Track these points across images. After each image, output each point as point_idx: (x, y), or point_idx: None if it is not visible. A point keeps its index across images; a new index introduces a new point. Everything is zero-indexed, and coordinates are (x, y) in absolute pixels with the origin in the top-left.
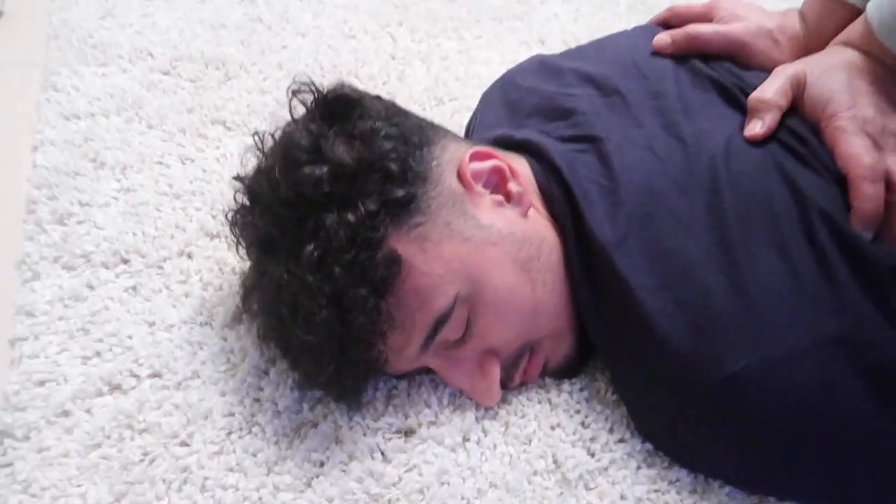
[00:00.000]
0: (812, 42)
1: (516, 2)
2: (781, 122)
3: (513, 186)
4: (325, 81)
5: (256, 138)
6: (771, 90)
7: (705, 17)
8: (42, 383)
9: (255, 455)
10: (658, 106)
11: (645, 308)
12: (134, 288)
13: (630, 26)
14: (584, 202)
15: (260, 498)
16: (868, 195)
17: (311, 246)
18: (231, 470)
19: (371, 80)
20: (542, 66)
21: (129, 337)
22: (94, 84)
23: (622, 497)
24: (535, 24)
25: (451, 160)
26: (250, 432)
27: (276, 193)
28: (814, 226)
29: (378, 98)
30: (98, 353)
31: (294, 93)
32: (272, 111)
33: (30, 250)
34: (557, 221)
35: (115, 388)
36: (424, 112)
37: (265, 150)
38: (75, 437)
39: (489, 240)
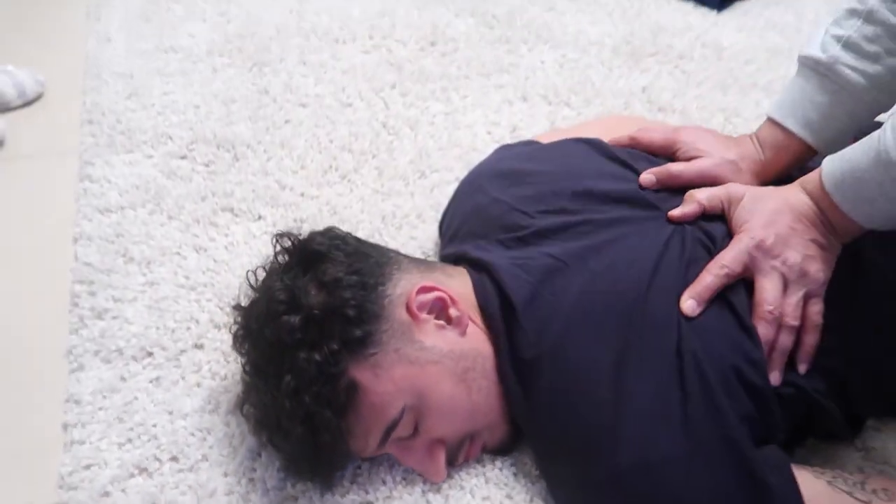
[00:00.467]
0: (770, 167)
1: (505, 52)
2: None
3: (453, 312)
4: (321, 157)
5: (250, 274)
6: (704, 193)
7: (667, 150)
8: (88, 467)
9: None
10: (606, 230)
11: (554, 406)
12: (157, 379)
13: (613, 71)
14: (522, 313)
15: None
16: (763, 335)
17: (289, 377)
18: None
19: (363, 154)
20: (505, 176)
21: (154, 425)
22: (123, 174)
23: None
24: (521, 77)
25: (402, 295)
26: None
27: (262, 334)
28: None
29: (344, 243)
30: (130, 440)
31: (278, 237)
32: (273, 195)
33: (75, 342)
34: (492, 331)
35: (143, 470)
36: (408, 187)
37: (256, 285)
38: None
39: (431, 359)
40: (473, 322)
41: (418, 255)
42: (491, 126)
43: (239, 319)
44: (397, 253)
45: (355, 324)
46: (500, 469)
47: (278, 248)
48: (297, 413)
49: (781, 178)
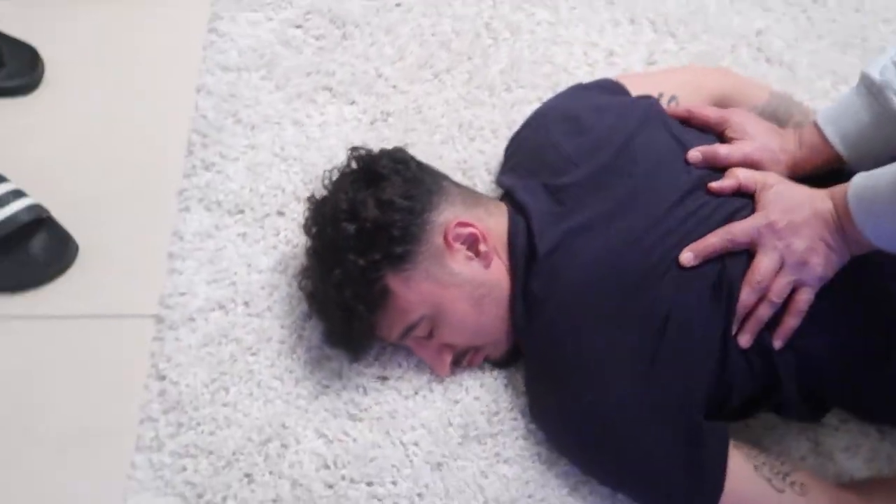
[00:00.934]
0: (801, 163)
1: None
2: None
3: (482, 248)
4: (419, 51)
5: (325, 173)
6: (744, 173)
7: (718, 127)
8: (182, 294)
9: (291, 372)
10: (641, 201)
11: (544, 339)
12: (243, 235)
13: (734, 4)
14: (542, 260)
15: (286, 399)
16: (744, 300)
17: (338, 271)
18: (275, 378)
19: (459, 55)
20: (569, 121)
21: (235, 273)
22: (244, 34)
23: (496, 455)
24: None
25: (442, 224)
26: (291, 357)
27: (325, 230)
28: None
29: (406, 168)
30: (216, 281)
31: (353, 150)
32: (369, 83)
33: (185, 186)
34: (513, 268)
35: (222, 307)
36: (491, 98)
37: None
38: (196, 335)
39: (454, 283)
40: (499, 257)
41: (482, 170)
42: (588, 46)
43: (310, 209)
44: (450, 182)
45: (398, 242)
46: (495, 378)
47: (352, 157)
48: (338, 302)
49: (811, 178)
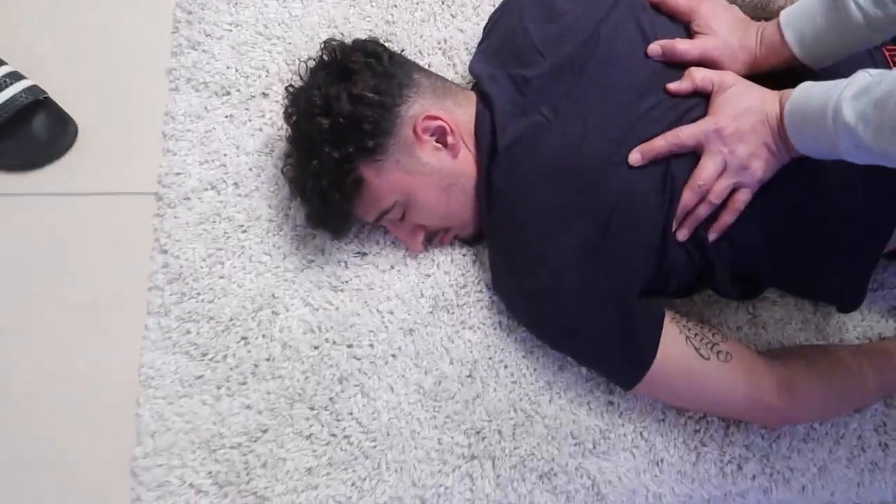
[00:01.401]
0: (760, 62)
1: None
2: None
3: (450, 140)
4: None
5: (302, 65)
6: (700, 74)
7: (685, 17)
8: (177, 174)
9: (278, 248)
10: (599, 98)
11: (502, 227)
12: (230, 117)
13: None
14: (502, 153)
15: (275, 272)
16: (685, 201)
17: (315, 162)
18: (265, 253)
19: None
20: (542, 5)
21: (225, 155)
22: None
23: (462, 323)
24: None
25: (412, 117)
26: (279, 234)
27: (301, 124)
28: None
29: (378, 62)
30: (207, 161)
31: (326, 42)
32: None
33: (174, 65)
34: (479, 159)
35: (213, 188)
36: None
37: (303, 75)
38: (192, 213)
39: (423, 172)
40: (467, 148)
41: (462, 50)
42: None
43: (288, 99)
44: (421, 74)
45: (369, 136)
46: (464, 255)
47: (325, 49)
48: (315, 190)
49: (774, 76)
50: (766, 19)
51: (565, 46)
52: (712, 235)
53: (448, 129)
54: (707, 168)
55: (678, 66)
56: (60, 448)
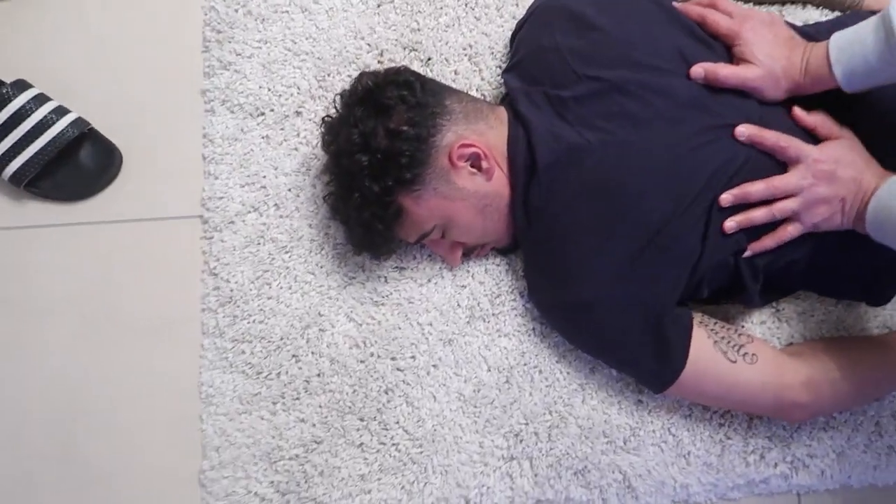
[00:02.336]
0: (802, 89)
1: None
2: None
3: (484, 164)
4: None
5: (337, 99)
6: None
7: (728, 40)
8: (221, 198)
9: (321, 266)
10: (637, 120)
11: (539, 244)
12: (266, 137)
13: None
14: (541, 173)
15: (320, 290)
16: (752, 191)
17: (357, 195)
18: (309, 272)
19: None
20: (574, 20)
21: (264, 176)
22: None
23: (497, 331)
24: None
25: (447, 146)
26: (320, 253)
27: (341, 161)
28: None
29: (411, 94)
30: (249, 184)
31: (360, 75)
32: None
33: (208, 86)
34: (513, 178)
35: (255, 210)
36: None
37: (340, 106)
38: (237, 236)
39: (460, 196)
40: (500, 168)
41: (487, 55)
42: None
43: (325, 132)
44: (453, 99)
45: (407, 168)
46: (497, 265)
47: (360, 84)
48: (358, 220)
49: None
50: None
51: (601, 66)
52: (748, 252)
53: (482, 154)
54: (787, 179)
55: (720, 90)
56: (132, 462)
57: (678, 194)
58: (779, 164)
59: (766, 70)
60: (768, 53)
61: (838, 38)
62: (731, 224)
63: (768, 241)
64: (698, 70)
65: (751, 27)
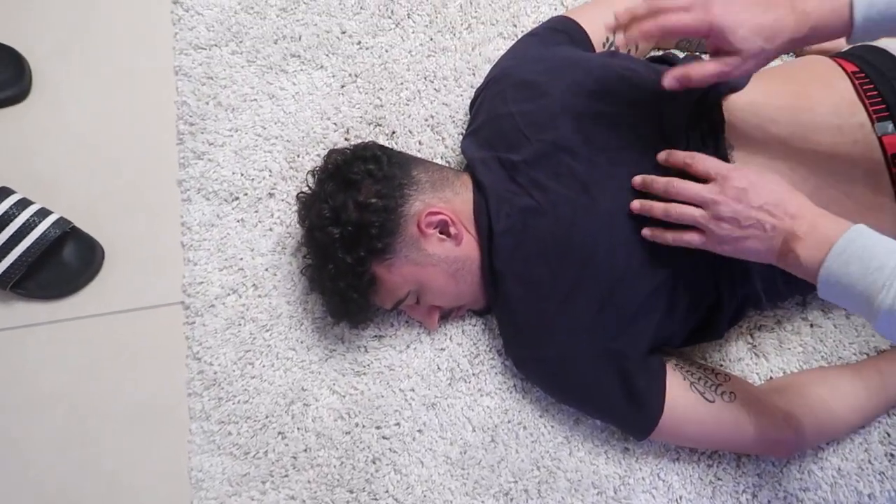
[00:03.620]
0: (800, 45)
1: None
2: None
3: (452, 230)
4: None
5: (309, 177)
6: (710, 162)
7: (701, 33)
8: (200, 283)
9: (301, 342)
10: (586, 180)
11: (508, 304)
12: (241, 221)
13: None
14: (498, 239)
15: (302, 365)
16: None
17: (331, 266)
18: (290, 348)
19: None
20: (525, 87)
21: (241, 259)
22: (208, 3)
23: (479, 390)
24: None
25: (415, 215)
26: (300, 329)
27: (314, 234)
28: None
29: (378, 167)
30: (227, 267)
31: (328, 153)
32: (333, 43)
33: (183, 176)
34: (480, 242)
35: (235, 291)
36: (453, 41)
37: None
38: (218, 319)
39: (431, 262)
40: (469, 232)
41: (449, 124)
42: None
43: (300, 208)
44: (419, 169)
45: (378, 238)
46: (474, 325)
47: (329, 162)
48: (335, 290)
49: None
50: None
51: (548, 129)
52: (645, 231)
53: (449, 220)
54: (692, 186)
55: (671, 143)
56: None
57: (629, 248)
58: None
59: (748, 52)
60: (748, 29)
61: None
62: (636, 206)
63: (668, 236)
64: (671, 81)
65: (719, 9)
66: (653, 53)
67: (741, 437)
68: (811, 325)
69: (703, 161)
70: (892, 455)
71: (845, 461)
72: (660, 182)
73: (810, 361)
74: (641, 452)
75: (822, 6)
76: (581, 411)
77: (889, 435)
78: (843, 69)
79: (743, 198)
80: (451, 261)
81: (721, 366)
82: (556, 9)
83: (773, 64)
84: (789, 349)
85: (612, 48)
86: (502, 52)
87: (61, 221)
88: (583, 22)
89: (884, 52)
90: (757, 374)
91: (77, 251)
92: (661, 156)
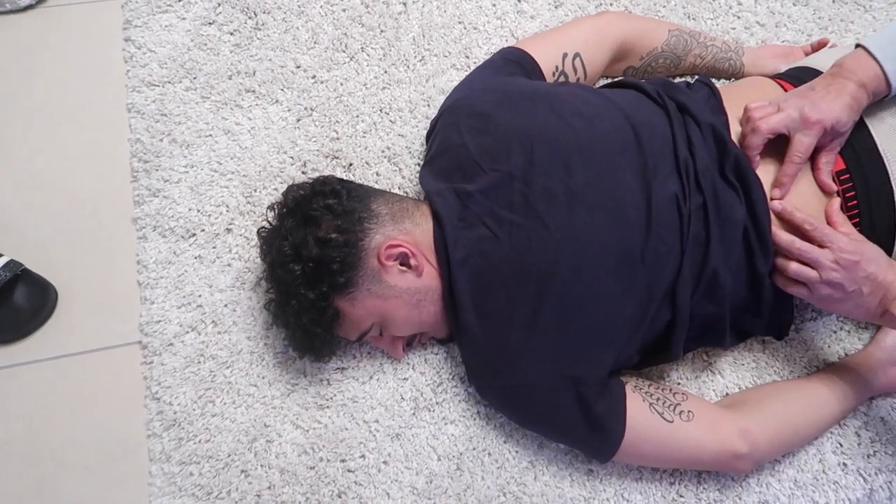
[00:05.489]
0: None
1: None
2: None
3: (412, 261)
4: (333, 31)
5: (269, 212)
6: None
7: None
8: (158, 322)
9: (263, 377)
10: (537, 207)
11: (469, 333)
12: (199, 257)
13: None
14: (455, 269)
15: (263, 401)
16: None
17: (294, 302)
18: (251, 384)
19: (371, 30)
20: (478, 117)
21: (200, 296)
22: (160, 41)
23: (443, 419)
24: None
25: (375, 248)
26: (261, 364)
27: (276, 271)
28: None
29: (337, 202)
30: (185, 305)
31: (287, 189)
32: (288, 77)
33: (138, 214)
34: (441, 273)
35: (193, 329)
36: (407, 73)
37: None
38: (177, 357)
39: (393, 294)
40: (430, 263)
41: (405, 155)
42: (489, 11)
43: (261, 244)
44: (379, 202)
45: (339, 273)
46: (436, 353)
47: (288, 198)
48: (298, 325)
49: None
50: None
51: (502, 158)
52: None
53: (409, 252)
54: (813, 250)
55: (616, 167)
56: None
57: (594, 272)
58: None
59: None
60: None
61: (874, 41)
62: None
63: (791, 288)
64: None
65: (815, 109)
66: (602, 81)
67: (700, 455)
68: (763, 342)
69: (821, 231)
70: (844, 465)
71: (801, 472)
72: (784, 238)
73: (763, 376)
74: (605, 473)
75: (868, 73)
76: (544, 436)
77: (841, 445)
78: (783, 88)
79: (852, 269)
80: (412, 292)
81: (678, 383)
82: (506, 40)
83: (721, 83)
84: (743, 365)
85: (562, 77)
86: (456, 83)
87: (12, 264)
88: (533, 52)
89: (815, 72)
90: (713, 390)
91: (29, 294)
92: (778, 206)
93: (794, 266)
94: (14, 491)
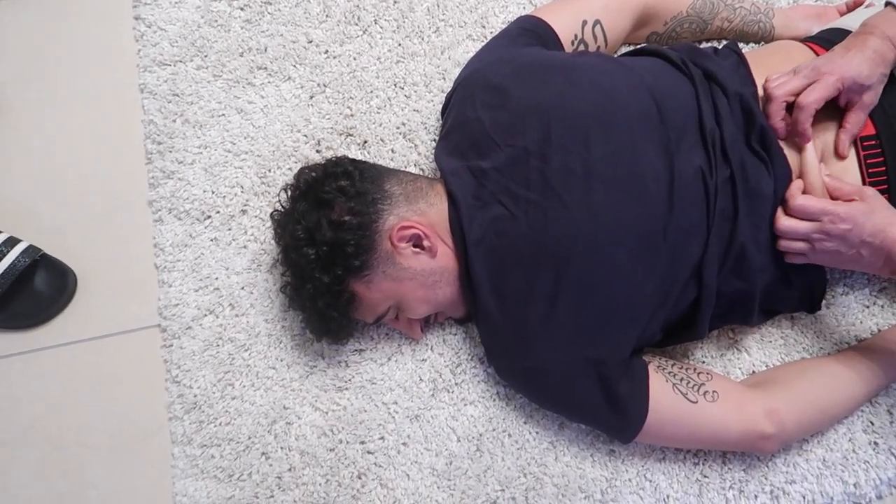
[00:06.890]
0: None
1: None
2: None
3: (425, 242)
4: (346, 5)
5: (282, 194)
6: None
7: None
8: (176, 305)
9: (281, 360)
10: (553, 184)
11: (487, 314)
12: (215, 239)
13: None
14: (472, 249)
15: (282, 384)
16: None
17: (309, 286)
18: (270, 367)
19: (384, 1)
20: (494, 91)
21: (216, 279)
22: (170, 19)
23: (462, 400)
24: None
25: (388, 230)
26: (279, 347)
27: (290, 255)
28: None
29: (350, 183)
30: (202, 288)
31: (299, 171)
32: (300, 53)
33: (154, 197)
34: (457, 251)
35: (211, 312)
36: (422, 45)
37: (289, 196)
38: (196, 341)
39: (408, 276)
40: (444, 243)
41: (421, 131)
42: None
43: (274, 227)
44: (392, 182)
45: (353, 256)
46: (455, 334)
47: (301, 180)
48: (314, 309)
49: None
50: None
51: (518, 133)
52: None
53: (422, 234)
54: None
55: (636, 140)
56: None
57: (607, 253)
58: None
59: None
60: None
61: None
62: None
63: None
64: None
65: (833, 66)
66: (623, 49)
67: (725, 435)
68: (791, 318)
69: (805, 205)
70: (875, 444)
71: (830, 452)
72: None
73: (792, 354)
74: (627, 454)
75: (894, 28)
76: (565, 417)
77: (872, 423)
78: (815, 52)
79: (844, 236)
80: (427, 273)
81: (703, 362)
82: (524, 8)
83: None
84: (770, 342)
85: (582, 46)
86: (472, 55)
87: (31, 250)
88: (551, 21)
89: (845, 32)
90: (740, 368)
91: (49, 279)
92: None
93: (783, 242)
94: (40, 474)
